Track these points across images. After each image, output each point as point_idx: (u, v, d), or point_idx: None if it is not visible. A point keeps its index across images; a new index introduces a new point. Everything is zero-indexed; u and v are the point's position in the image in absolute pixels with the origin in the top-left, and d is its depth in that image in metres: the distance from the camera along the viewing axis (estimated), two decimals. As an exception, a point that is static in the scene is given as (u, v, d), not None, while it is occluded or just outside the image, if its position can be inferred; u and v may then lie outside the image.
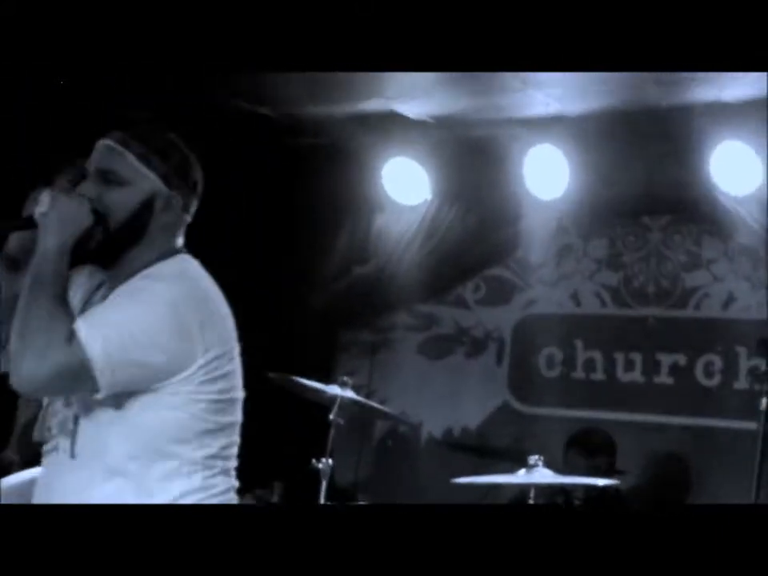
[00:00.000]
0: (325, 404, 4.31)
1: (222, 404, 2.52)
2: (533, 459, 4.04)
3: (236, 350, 2.59)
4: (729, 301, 5.28)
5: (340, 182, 5.67)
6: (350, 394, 4.27)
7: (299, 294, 5.94)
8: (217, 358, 2.50)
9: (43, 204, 2.53)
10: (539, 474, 4.01)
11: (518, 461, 4.23)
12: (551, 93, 4.88)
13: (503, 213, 5.61)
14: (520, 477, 4.11)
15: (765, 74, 4.33)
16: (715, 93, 4.68)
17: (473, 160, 5.43)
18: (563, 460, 4.84)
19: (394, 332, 6.07)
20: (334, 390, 4.28)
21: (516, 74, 4.71)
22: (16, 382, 2.42)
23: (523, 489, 4.51)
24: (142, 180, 2.57)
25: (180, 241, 2.65)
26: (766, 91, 4.57)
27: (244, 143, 5.45)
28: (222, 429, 2.52)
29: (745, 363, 4.91)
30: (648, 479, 5.23)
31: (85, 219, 2.53)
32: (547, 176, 5.15)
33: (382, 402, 5.02)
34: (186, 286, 2.57)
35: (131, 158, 2.56)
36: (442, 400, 5.90)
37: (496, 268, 5.90)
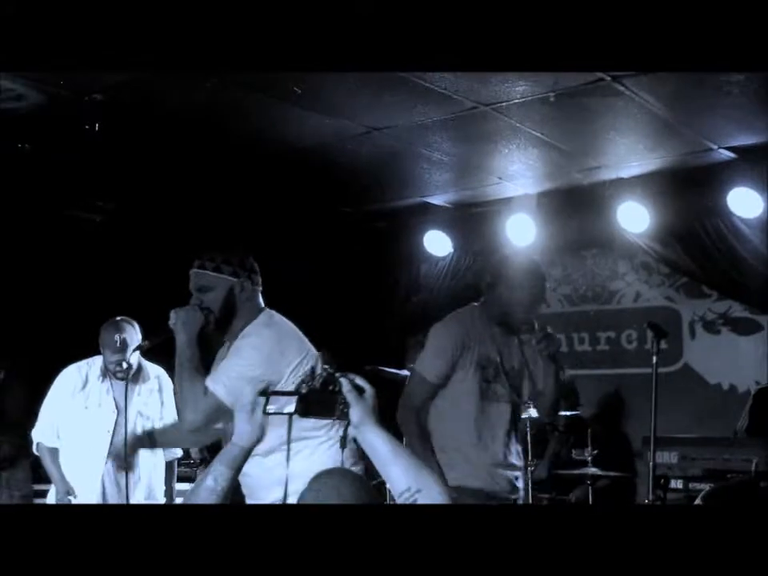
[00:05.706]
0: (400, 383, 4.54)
1: None
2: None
3: (310, 353, 2.95)
4: (636, 297, 6.57)
5: (400, 247, 7.05)
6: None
7: (382, 316, 7.09)
8: (299, 364, 2.90)
9: (171, 319, 2.99)
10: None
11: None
12: (518, 182, 5.94)
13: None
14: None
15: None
16: (616, 173, 5.67)
17: (476, 228, 6.62)
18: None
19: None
20: (406, 373, 4.93)
21: (494, 173, 5.73)
22: (185, 426, 2.86)
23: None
24: (219, 282, 3.02)
25: (261, 303, 3.06)
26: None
27: (336, 233, 6.77)
28: None
29: (649, 335, 5.02)
30: (601, 408, 6.54)
31: (197, 320, 2.97)
32: (522, 234, 6.27)
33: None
34: (265, 332, 2.97)
35: (209, 273, 3.04)
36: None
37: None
